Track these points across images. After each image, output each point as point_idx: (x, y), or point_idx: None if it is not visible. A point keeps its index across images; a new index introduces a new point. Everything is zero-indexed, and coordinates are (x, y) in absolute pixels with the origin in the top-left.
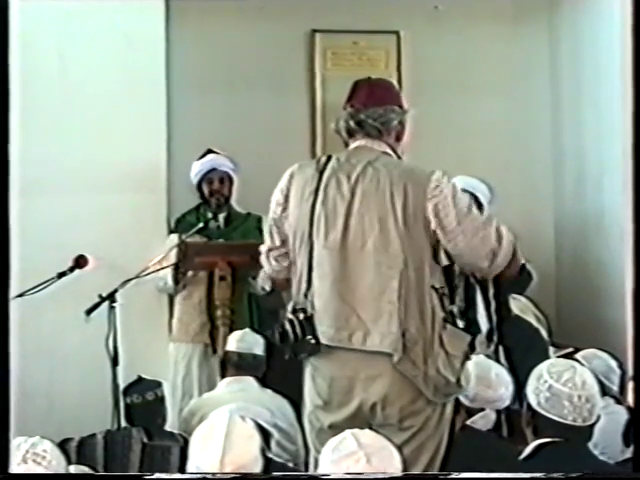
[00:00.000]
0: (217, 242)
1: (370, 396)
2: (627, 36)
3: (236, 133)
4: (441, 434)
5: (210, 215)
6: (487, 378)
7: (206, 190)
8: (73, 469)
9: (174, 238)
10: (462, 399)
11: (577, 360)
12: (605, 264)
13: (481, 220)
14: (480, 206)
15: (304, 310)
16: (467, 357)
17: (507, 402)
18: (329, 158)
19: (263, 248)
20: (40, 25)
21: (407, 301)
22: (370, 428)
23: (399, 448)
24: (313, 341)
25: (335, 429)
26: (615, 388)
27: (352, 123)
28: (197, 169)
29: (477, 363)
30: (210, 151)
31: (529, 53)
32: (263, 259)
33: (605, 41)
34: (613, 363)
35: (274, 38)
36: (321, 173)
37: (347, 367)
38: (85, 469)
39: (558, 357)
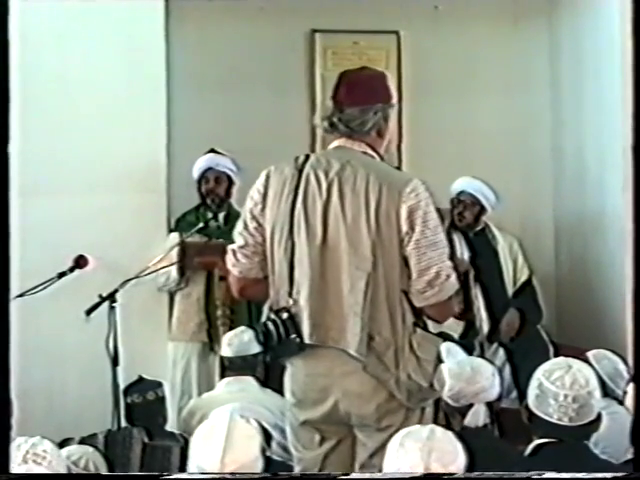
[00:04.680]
0: (217, 242)
1: (345, 394)
2: (627, 36)
3: (236, 133)
4: None
5: (210, 215)
6: (462, 374)
7: (203, 189)
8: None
9: (174, 238)
10: (448, 401)
11: (586, 359)
12: (605, 264)
13: (440, 251)
14: (482, 209)
15: (287, 310)
16: (440, 360)
17: (494, 393)
18: (307, 157)
19: (235, 246)
20: (40, 25)
21: (375, 304)
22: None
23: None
24: (298, 340)
25: (310, 426)
26: (619, 391)
27: (326, 123)
28: (196, 168)
29: (455, 362)
30: (212, 151)
31: (529, 53)
32: (232, 259)
33: (605, 41)
34: (622, 367)
35: (274, 38)
36: (300, 171)
37: (322, 365)
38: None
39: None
